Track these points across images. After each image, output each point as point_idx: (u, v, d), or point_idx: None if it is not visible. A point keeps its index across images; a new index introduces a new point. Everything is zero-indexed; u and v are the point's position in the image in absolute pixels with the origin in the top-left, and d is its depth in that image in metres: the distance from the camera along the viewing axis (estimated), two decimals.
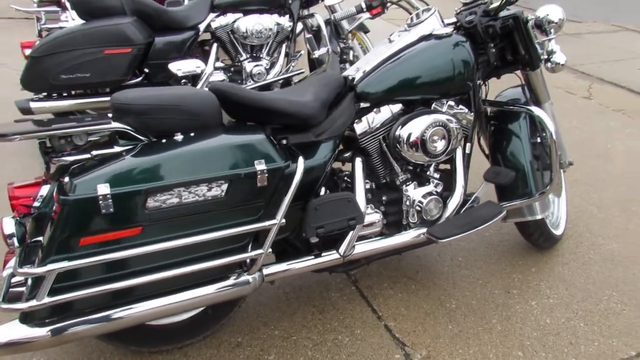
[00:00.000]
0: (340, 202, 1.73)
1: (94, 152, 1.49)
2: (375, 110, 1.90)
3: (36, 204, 1.53)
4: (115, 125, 1.50)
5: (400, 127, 1.87)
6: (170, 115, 1.52)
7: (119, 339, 1.65)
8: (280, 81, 3.41)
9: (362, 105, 1.89)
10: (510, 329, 1.98)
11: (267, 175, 1.48)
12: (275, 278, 1.74)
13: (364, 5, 2.09)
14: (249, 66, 3.35)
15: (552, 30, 2.06)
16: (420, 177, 2.02)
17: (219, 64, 3.38)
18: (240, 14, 3.32)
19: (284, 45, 3.46)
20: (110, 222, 1.35)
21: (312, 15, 3.54)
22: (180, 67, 3.13)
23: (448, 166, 2.07)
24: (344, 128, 1.84)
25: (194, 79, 3.23)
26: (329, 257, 1.80)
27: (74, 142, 1.51)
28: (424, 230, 1.95)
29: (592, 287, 2.20)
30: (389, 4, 2.14)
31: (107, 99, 3.08)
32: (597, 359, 1.86)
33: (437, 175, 2.04)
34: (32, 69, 2.84)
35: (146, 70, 3.15)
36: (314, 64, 3.52)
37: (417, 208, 1.95)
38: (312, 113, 1.69)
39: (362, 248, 1.86)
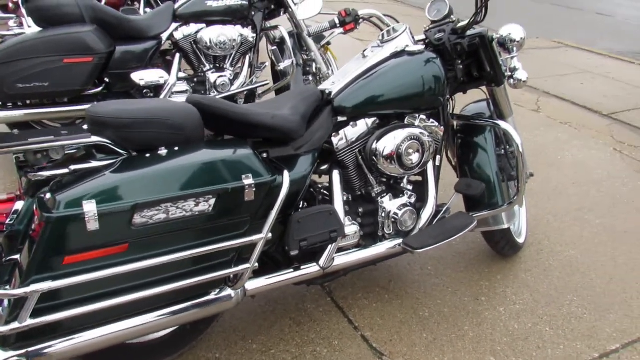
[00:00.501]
0: (322, 215, 1.74)
1: (73, 167, 1.44)
2: (351, 124, 1.94)
3: (9, 221, 1.45)
4: (95, 139, 1.46)
5: (376, 140, 1.91)
6: (153, 129, 1.49)
7: (95, 359, 1.59)
8: (245, 92, 3.40)
9: (340, 119, 1.92)
10: (482, 335, 2.04)
11: (254, 189, 1.48)
12: (256, 292, 1.72)
13: (337, 21, 2.13)
14: (212, 77, 3.32)
15: (515, 49, 2.17)
16: (394, 189, 2.06)
17: (182, 75, 3.33)
18: (203, 25, 3.29)
19: (247, 57, 3.45)
20: (96, 240, 1.30)
21: (275, 27, 3.54)
22: (143, 77, 3.06)
23: (419, 178, 2.13)
24: (322, 141, 1.86)
25: (156, 89, 3.17)
26: (309, 269, 1.80)
27: (50, 156, 1.46)
28: (400, 241, 2.00)
29: (555, 293, 2.31)
30: (361, 21, 2.18)
31: (65, 109, 2.98)
32: None
33: (410, 187, 2.09)
34: None
35: (106, 79, 3.06)
36: (278, 76, 3.53)
37: (393, 219, 1.99)
38: (294, 127, 1.70)
39: (341, 260, 1.88)
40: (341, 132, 1.92)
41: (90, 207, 1.26)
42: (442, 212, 2.10)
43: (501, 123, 2.13)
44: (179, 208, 1.39)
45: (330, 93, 1.92)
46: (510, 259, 2.51)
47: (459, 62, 2.14)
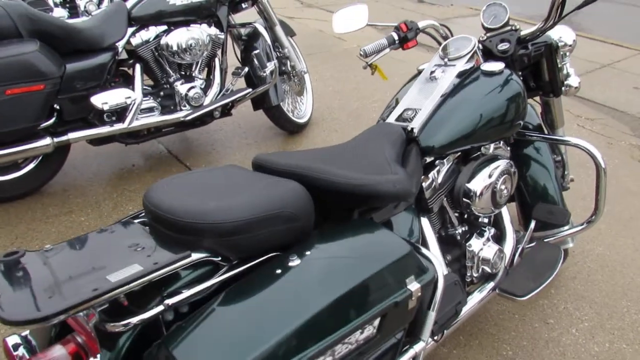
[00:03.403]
0: (449, 288, 1.47)
1: (168, 302, 1.03)
2: (437, 162, 1.66)
3: None
4: (197, 256, 1.05)
5: (467, 180, 1.66)
6: (267, 228, 1.11)
7: None
8: (219, 108, 2.92)
9: (427, 159, 1.64)
10: None
11: (419, 294, 1.16)
12: None
13: (396, 38, 1.79)
14: (182, 88, 2.81)
15: (567, 53, 2.01)
16: (474, 225, 1.84)
17: (145, 89, 2.78)
18: (164, 27, 2.76)
19: (216, 60, 2.97)
20: None
21: (247, 25, 3.09)
22: (106, 100, 2.51)
23: None
24: (418, 190, 1.57)
25: (119, 111, 2.62)
26: (421, 344, 1.53)
27: None
28: (490, 285, 1.79)
29: (609, 301, 2.27)
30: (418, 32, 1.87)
31: (7, 151, 2.34)
32: None
33: (486, 220, 1.88)
34: None
35: (56, 106, 2.45)
36: (252, 80, 3.08)
37: (483, 262, 1.77)
38: (413, 190, 1.39)
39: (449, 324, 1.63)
40: (430, 175, 1.63)
41: None
42: (523, 242, 1.92)
43: (581, 142, 1.96)
44: (345, 343, 1.04)
45: (412, 130, 1.62)
46: None
47: (520, 73, 1.93)
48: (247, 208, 1.09)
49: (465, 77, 1.74)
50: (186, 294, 1.05)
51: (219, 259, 1.12)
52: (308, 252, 1.11)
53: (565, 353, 2.00)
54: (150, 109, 2.74)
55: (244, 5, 3.09)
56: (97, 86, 2.52)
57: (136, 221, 1.23)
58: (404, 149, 1.58)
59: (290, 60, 3.25)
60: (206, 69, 2.98)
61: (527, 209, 2.08)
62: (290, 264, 1.08)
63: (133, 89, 2.64)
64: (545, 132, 2.16)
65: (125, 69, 2.76)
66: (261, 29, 3.00)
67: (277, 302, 1.00)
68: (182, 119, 2.75)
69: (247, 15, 3.22)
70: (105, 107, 2.48)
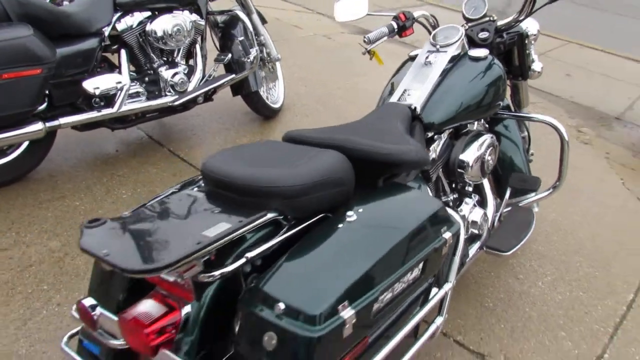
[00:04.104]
0: None
1: (249, 255, 1.18)
2: (436, 138, 1.89)
3: (179, 335, 1.14)
4: (270, 216, 1.21)
5: (461, 152, 1.90)
6: (324, 191, 1.28)
7: None
8: (202, 93, 3.01)
9: (429, 135, 1.86)
10: (543, 313, 2.24)
11: (451, 242, 1.38)
12: None
13: (395, 27, 1.99)
14: (166, 74, 2.88)
15: (533, 42, 2.30)
16: (461, 193, 2.08)
17: (131, 74, 2.82)
18: (148, 13, 2.81)
19: (197, 47, 3.05)
20: (345, 346, 1.10)
21: (222, 12, 3.18)
22: (97, 84, 2.55)
23: None
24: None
25: (107, 96, 2.66)
26: (450, 284, 1.73)
27: None
28: (477, 245, 2.04)
29: (565, 258, 2.62)
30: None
31: (5, 135, 2.34)
32: (609, 319, 2.26)
33: (471, 189, 2.13)
34: None
35: (46, 91, 2.46)
36: (231, 66, 3.18)
37: (472, 225, 2.02)
38: (429, 159, 1.60)
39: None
40: (431, 148, 1.86)
41: (348, 312, 1.06)
42: (502, 207, 2.19)
43: (549, 119, 2.25)
44: (401, 282, 1.24)
45: (415, 108, 1.83)
46: None
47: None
48: (309, 173, 1.25)
49: (455, 62, 1.97)
50: (263, 247, 1.20)
51: (282, 217, 1.28)
52: (361, 210, 1.30)
53: (535, 302, 2.31)
54: (137, 94, 2.78)
55: None
56: (85, 71, 2.54)
57: (194, 188, 1.35)
58: (409, 125, 1.79)
59: (266, 47, 3.37)
60: (191, 54, 3.05)
61: (501, 179, 2.36)
62: (349, 219, 1.26)
63: (120, 74, 2.68)
64: (513, 110, 2.45)
65: (108, 54, 2.79)
66: (243, 16, 3.10)
67: (347, 249, 1.18)
68: (170, 104, 2.82)
69: (220, 3, 3.30)
70: (97, 92, 2.52)
